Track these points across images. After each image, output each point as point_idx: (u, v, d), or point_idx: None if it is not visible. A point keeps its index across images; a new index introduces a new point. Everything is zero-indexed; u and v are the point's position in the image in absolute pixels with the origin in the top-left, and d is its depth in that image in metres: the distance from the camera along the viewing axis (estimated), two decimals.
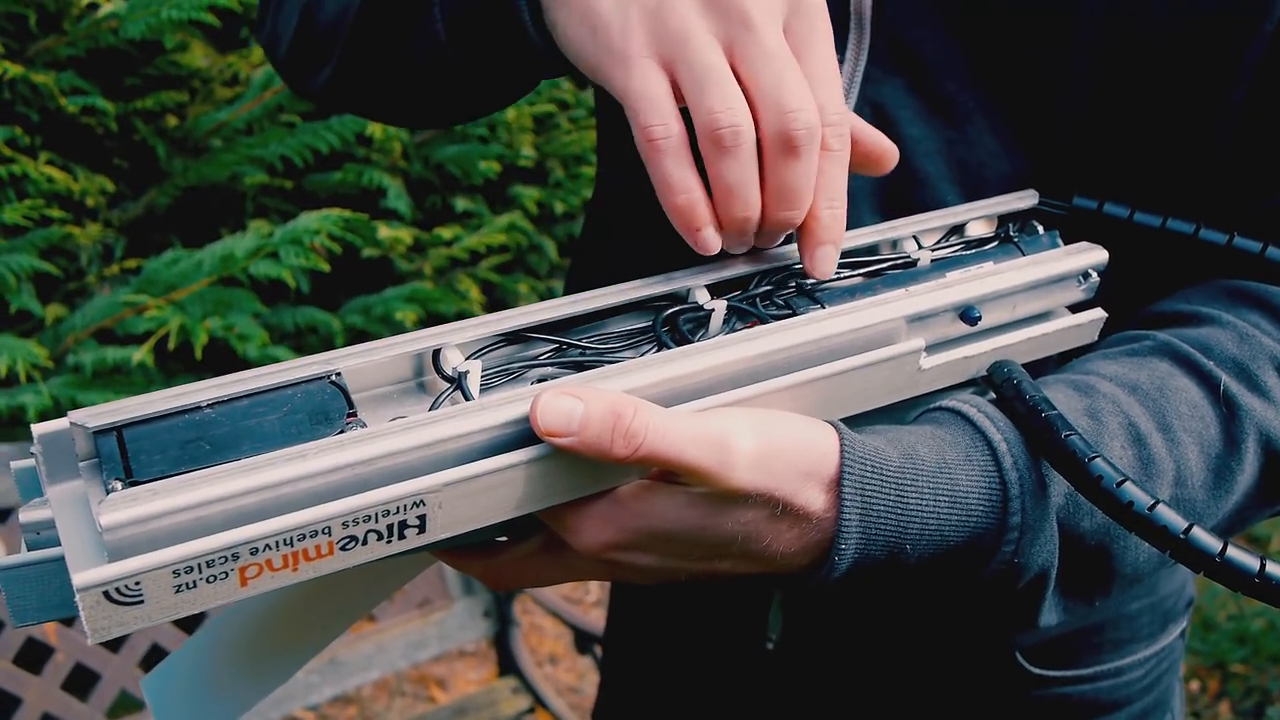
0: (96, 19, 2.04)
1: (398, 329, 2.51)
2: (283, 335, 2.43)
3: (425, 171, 2.74)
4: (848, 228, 0.77)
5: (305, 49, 0.88)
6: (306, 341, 2.49)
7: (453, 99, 0.83)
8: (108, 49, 2.11)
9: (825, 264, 0.64)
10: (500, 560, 0.67)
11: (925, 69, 0.78)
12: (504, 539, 0.67)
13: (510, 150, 2.86)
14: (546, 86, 2.91)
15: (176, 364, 2.29)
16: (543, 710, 2.34)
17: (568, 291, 0.89)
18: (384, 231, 2.45)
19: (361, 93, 0.88)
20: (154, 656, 2.02)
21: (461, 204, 2.81)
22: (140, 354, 1.99)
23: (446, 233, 2.74)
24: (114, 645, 1.98)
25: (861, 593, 0.66)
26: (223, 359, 2.25)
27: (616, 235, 0.96)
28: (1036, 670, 0.93)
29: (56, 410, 2.04)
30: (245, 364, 2.24)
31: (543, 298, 3.26)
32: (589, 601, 3.46)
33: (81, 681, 1.94)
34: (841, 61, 0.80)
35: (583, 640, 2.41)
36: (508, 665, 2.43)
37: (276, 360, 2.25)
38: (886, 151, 0.69)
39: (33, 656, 1.89)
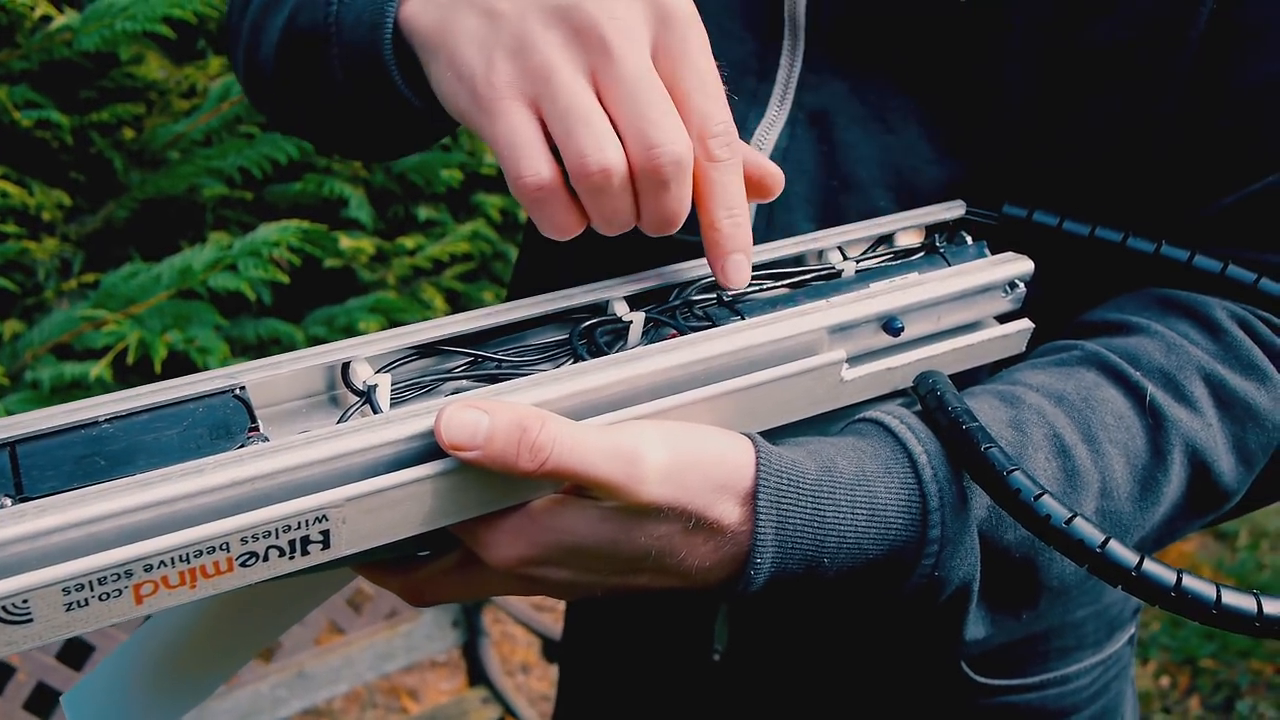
0: (50, 32, 2.02)
1: None
2: (245, 348, 2.42)
3: (387, 181, 2.73)
4: (784, 235, 0.77)
5: (251, 82, 0.87)
6: (269, 353, 2.46)
7: (377, 139, 0.82)
8: (62, 62, 2.09)
9: (737, 274, 0.63)
10: (417, 576, 0.66)
11: (861, 74, 0.78)
12: (425, 553, 0.66)
13: (473, 158, 2.85)
14: None
15: (136, 378, 2.27)
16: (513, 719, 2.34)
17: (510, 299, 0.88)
18: (346, 242, 2.44)
19: (301, 126, 0.87)
20: None
21: (424, 213, 2.80)
22: (99, 369, 1.97)
23: (409, 242, 2.72)
24: (76, 663, 1.96)
25: (792, 605, 0.65)
26: (183, 372, 2.23)
27: (541, 243, 0.95)
28: (982, 679, 0.93)
29: None
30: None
31: None
32: (559, 610, 3.45)
33: (43, 701, 1.93)
34: (775, 67, 0.80)
35: (553, 649, 2.40)
36: (477, 675, 2.42)
37: None
38: (768, 175, 0.68)
39: None
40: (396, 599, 2.31)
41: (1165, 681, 3.16)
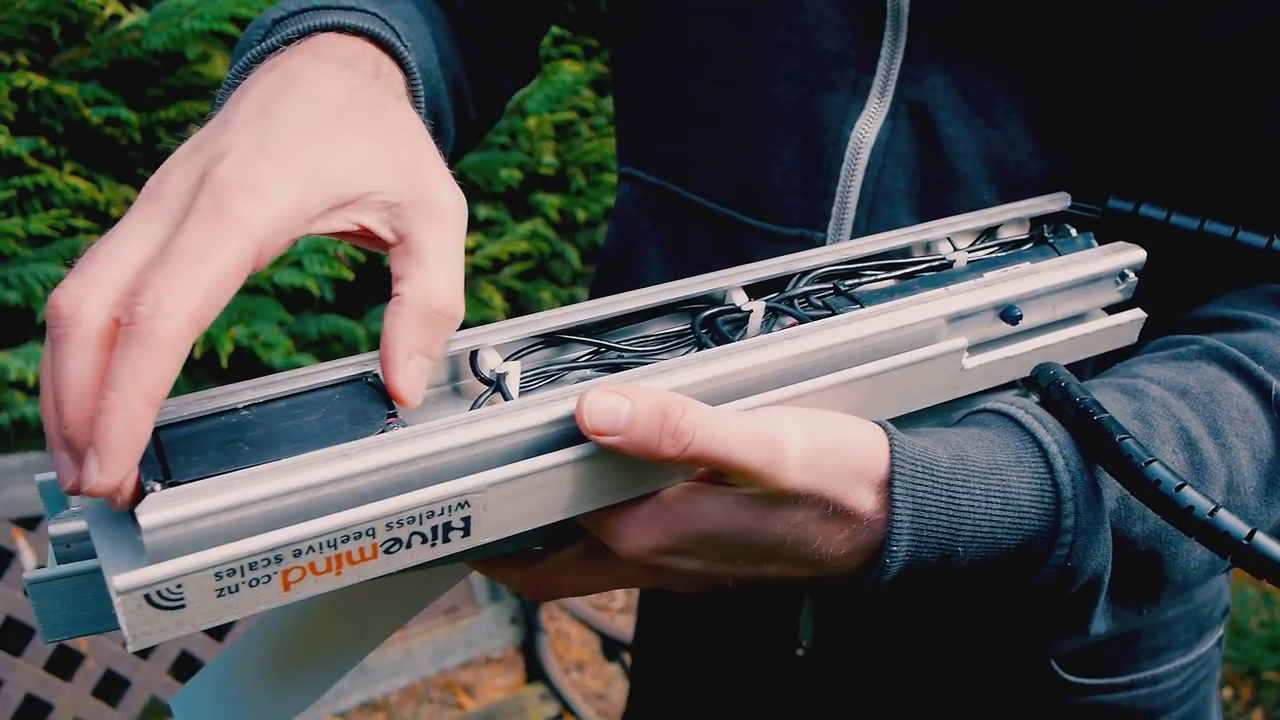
0: (119, 30, 2.04)
1: None
2: (307, 343, 2.43)
3: None
4: (883, 230, 0.76)
5: None
6: (331, 349, 2.49)
7: None
8: (130, 60, 2.11)
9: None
10: (539, 569, 0.66)
11: (964, 66, 0.77)
12: (540, 548, 0.66)
13: (531, 158, 2.86)
14: (566, 94, 2.91)
15: (202, 372, 2.29)
16: (570, 717, 2.34)
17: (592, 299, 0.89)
18: None
19: None
20: (184, 664, 2.03)
21: (483, 212, 2.81)
22: None
23: (468, 241, 2.72)
24: (144, 652, 1.98)
25: (901, 598, 0.65)
26: (248, 367, 2.25)
27: (640, 241, 0.95)
28: (1072, 678, 0.91)
29: None
30: (270, 372, 2.24)
31: (565, 305, 3.24)
32: (615, 608, 3.46)
33: (112, 688, 1.95)
34: (876, 58, 0.79)
35: (610, 647, 2.40)
36: (535, 672, 2.42)
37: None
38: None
39: (64, 663, 1.89)
40: (456, 595, 2.32)
41: (1229, 693, 3.12)
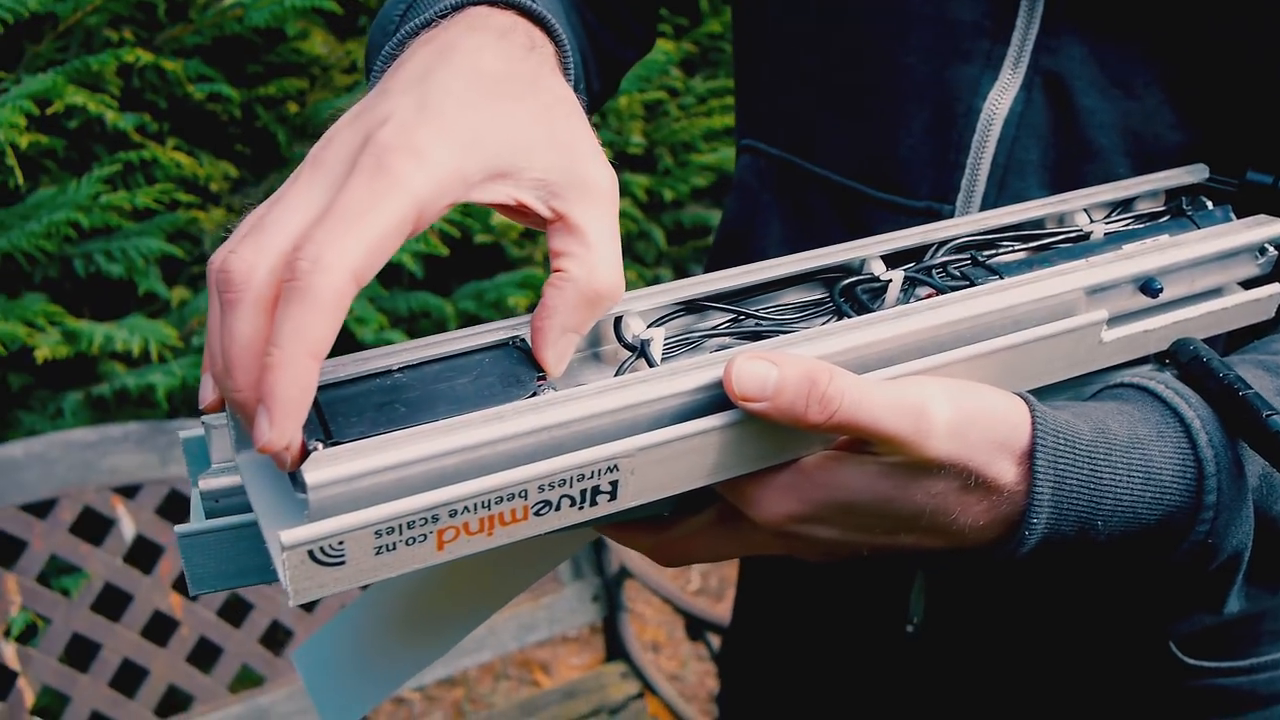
0: (222, 7, 2.08)
1: (509, 314, 2.52)
2: (396, 320, 2.46)
3: None
4: (1014, 201, 0.75)
5: None
6: (419, 326, 2.51)
7: None
8: (232, 37, 2.15)
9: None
10: (671, 534, 0.66)
11: (1101, 36, 0.76)
12: (667, 514, 0.66)
13: (619, 137, 2.86)
14: (655, 73, 2.90)
15: None
16: (651, 696, 2.35)
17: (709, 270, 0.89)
18: (497, 217, 2.47)
19: None
20: (274, 632, 2.07)
21: None
22: None
23: None
24: (236, 620, 2.02)
25: (1028, 572, 0.64)
26: (339, 341, 2.28)
27: (761, 214, 0.95)
28: (1192, 661, 0.90)
29: (184, 389, 2.08)
30: (361, 347, 2.27)
31: (650, 285, 3.24)
32: (690, 590, 3.46)
33: (205, 655, 1.99)
34: (1011, 28, 0.78)
35: (694, 627, 2.40)
36: (615, 650, 2.43)
37: (392, 344, 2.28)
38: None
39: (159, 630, 1.94)
40: None
41: None
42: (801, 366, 0.53)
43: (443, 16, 0.64)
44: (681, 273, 3.32)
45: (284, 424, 0.46)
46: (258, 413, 0.47)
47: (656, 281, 3.10)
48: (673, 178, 3.13)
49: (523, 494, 0.50)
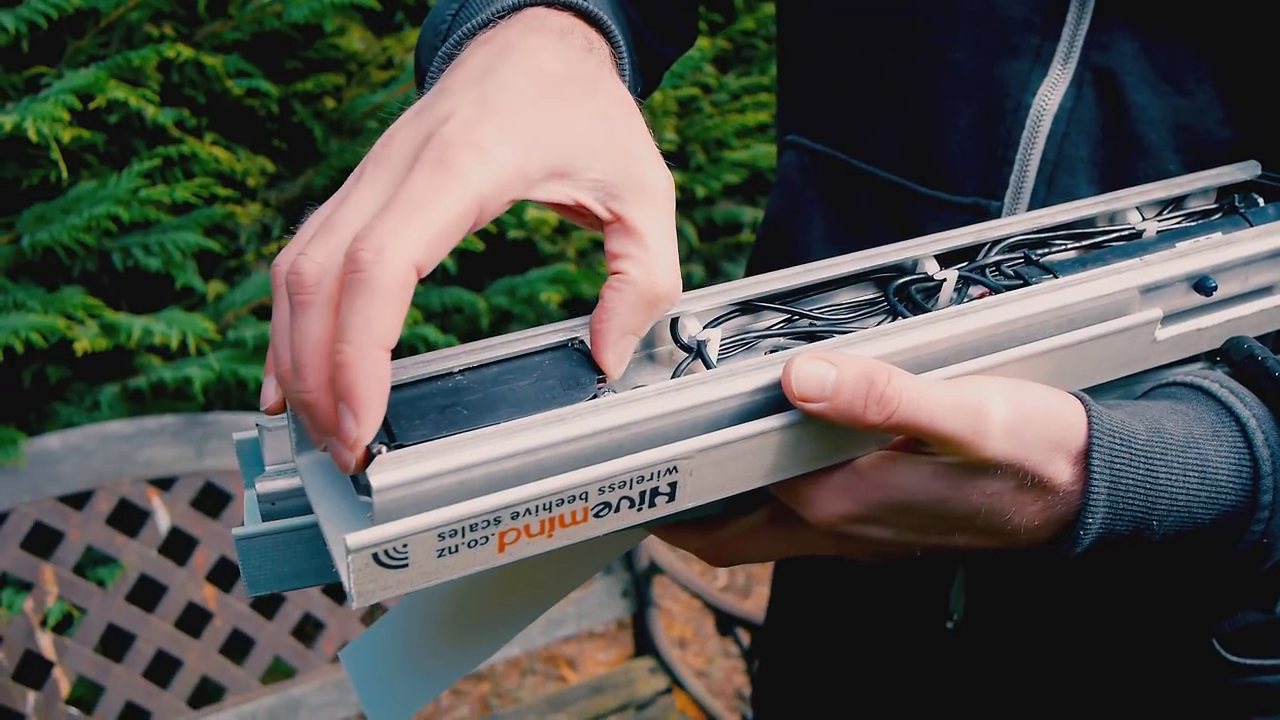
0: (262, 3, 2.09)
1: (542, 310, 2.53)
2: (429, 315, 2.47)
3: None
4: (1064, 199, 0.75)
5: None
6: (452, 321, 2.52)
7: None
8: (271, 32, 2.16)
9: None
10: (722, 534, 0.66)
11: (1152, 32, 0.75)
12: (718, 514, 0.66)
13: (652, 133, 2.86)
14: (689, 70, 2.90)
15: None
16: (680, 691, 2.35)
17: (750, 274, 0.89)
18: (530, 212, 2.47)
19: None
20: (305, 624, 2.08)
21: None
22: None
23: None
24: (268, 613, 2.04)
25: (1077, 571, 0.64)
26: None
27: (804, 210, 0.95)
28: (1235, 659, 0.90)
29: (220, 383, 2.10)
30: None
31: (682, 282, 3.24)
32: (718, 586, 3.46)
33: (237, 647, 2.00)
34: (1061, 24, 0.78)
35: (725, 622, 2.40)
36: (644, 645, 2.43)
37: (426, 339, 2.27)
38: None
39: (193, 622, 1.96)
40: None
41: None
42: (859, 367, 0.54)
43: (500, 17, 0.65)
44: (713, 269, 3.32)
45: (369, 419, 0.47)
46: (340, 412, 0.47)
47: (689, 278, 3.10)
48: (705, 174, 3.13)
49: (583, 496, 0.51)
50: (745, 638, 2.38)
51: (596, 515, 0.52)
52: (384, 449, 0.49)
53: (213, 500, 2.01)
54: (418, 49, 0.85)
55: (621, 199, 0.56)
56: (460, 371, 0.55)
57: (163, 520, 1.93)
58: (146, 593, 1.92)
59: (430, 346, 2.28)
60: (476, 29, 0.65)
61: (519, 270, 2.61)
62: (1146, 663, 0.92)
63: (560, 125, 0.55)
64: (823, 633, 1.12)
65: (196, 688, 1.96)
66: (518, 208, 2.44)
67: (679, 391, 0.53)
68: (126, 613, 1.90)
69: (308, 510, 0.53)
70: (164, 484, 1.94)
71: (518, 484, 0.49)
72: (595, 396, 0.55)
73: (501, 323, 2.58)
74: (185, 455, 1.93)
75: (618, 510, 0.52)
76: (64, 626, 1.86)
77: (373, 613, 2.28)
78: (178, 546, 1.95)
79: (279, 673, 2.10)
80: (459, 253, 2.42)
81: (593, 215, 0.56)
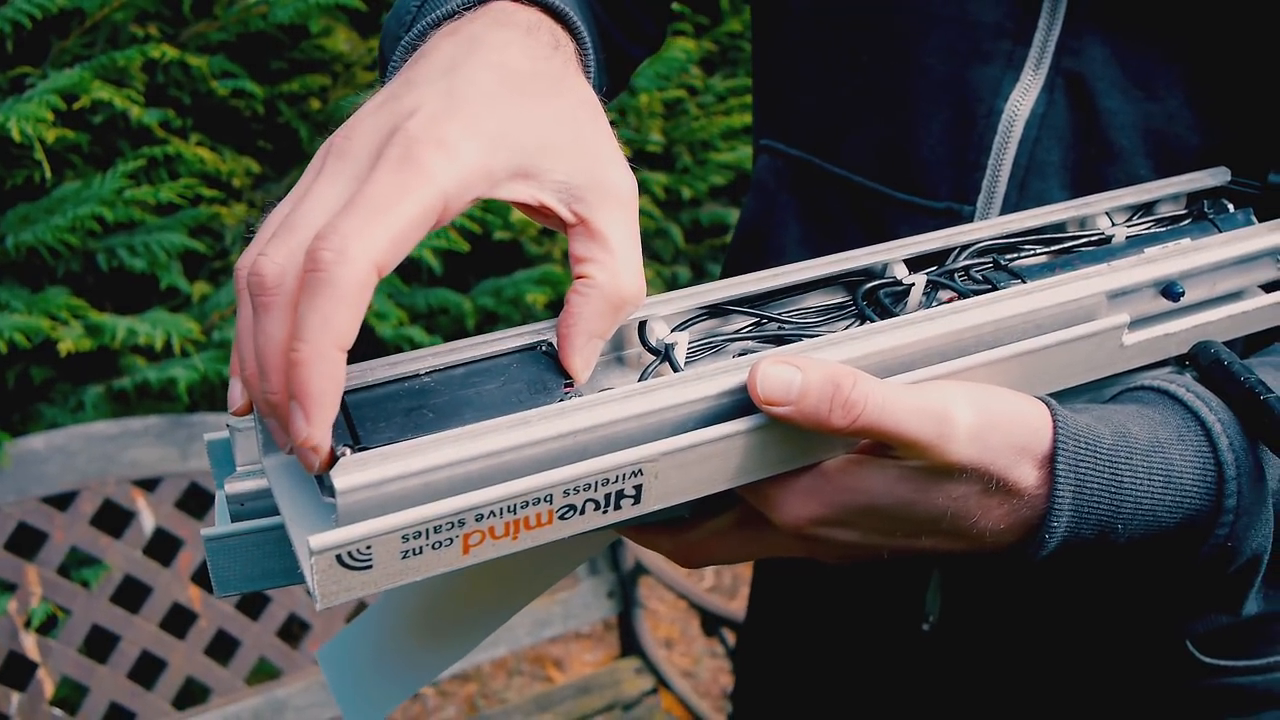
0: (247, 4, 2.09)
1: (528, 311, 2.54)
2: (415, 315, 2.47)
3: None
4: (1036, 203, 0.76)
5: None
6: (438, 322, 2.52)
7: None
8: (256, 33, 2.16)
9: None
10: (691, 536, 0.66)
11: (1123, 38, 0.76)
12: (686, 516, 0.67)
13: (638, 135, 2.87)
14: (675, 72, 2.91)
15: None
16: (666, 691, 2.35)
17: (725, 276, 0.89)
18: (517, 214, 2.48)
19: None
20: (291, 625, 2.08)
21: None
22: None
23: None
24: (253, 613, 2.04)
25: (1045, 573, 0.64)
26: (359, 338, 2.29)
27: (778, 214, 0.95)
28: (1208, 660, 0.90)
29: (205, 384, 2.10)
30: (381, 342, 2.28)
31: (668, 283, 3.28)
32: (704, 587, 3.47)
33: (223, 648, 2.00)
34: (1033, 29, 0.78)
35: (710, 622, 2.41)
36: (630, 646, 2.44)
37: (411, 340, 2.26)
38: None
39: (178, 622, 1.96)
40: None
41: None
42: (825, 371, 0.54)
43: (466, 9, 0.64)
44: (699, 271, 3.33)
45: (320, 417, 0.47)
46: (291, 410, 0.47)
47: (674, 279, 3.10)
48: (691, 176, 3.14)
49: (548, 499, 0.51)
50: (731, 638, 2.39)
51: (562, 518, 0.52)
52: (349, 451, 0.49)
53: (197, 501, 2.01)
54: (382, 39, 0.85)
55: (585, 201, 0.56)
56: (427, 374, 0.56)
57: (147, 521, 1.93)
58: (131, 593, 1.92)
59: (415, 348, 2.28)
60: (442, 19, 0.65)
61: (505, 271, 2.61)
62: (1121, 664, 0.93)
63: (526, 124, 0.55)
64: (800, 634, 1.12)
65: (181, 688, 1.95)
66: (503, 209, 2.44)
67: (645, 394, 0.53)
68: (111, 613, 1.89)
69: (276, 511, 0.54)
70: (149, 485, 1.94)
71: (482, 486, 0.50)
72: (562, 400, 0.55)
73: (487, 324, 2.58)
74: (170, 456, 1.93)
75: (583, 512, 0.52)
76: (48, 627, 1.85)
77: (358, 613, 2.28)
78: (162, 547, 1.95)
79: (264, 673, 2.10)
80: (445, 253, 2.42)
81: (556, 216, 0.56)
